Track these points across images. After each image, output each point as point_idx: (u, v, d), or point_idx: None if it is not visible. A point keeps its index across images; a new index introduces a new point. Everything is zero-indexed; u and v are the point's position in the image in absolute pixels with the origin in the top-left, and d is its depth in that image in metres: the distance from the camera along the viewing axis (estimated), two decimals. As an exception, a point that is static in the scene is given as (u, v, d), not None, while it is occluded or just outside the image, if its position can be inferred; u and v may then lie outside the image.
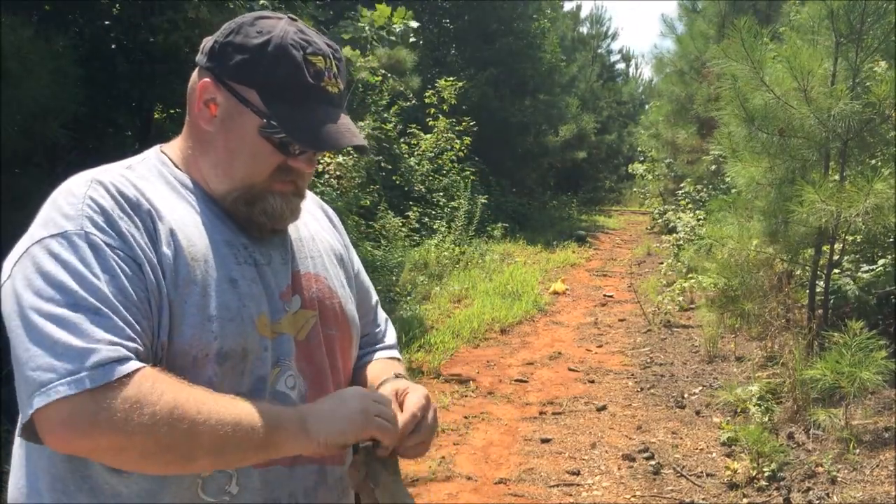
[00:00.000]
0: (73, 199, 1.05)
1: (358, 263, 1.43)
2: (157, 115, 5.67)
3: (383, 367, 1.35)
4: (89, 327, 0.95)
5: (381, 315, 1.49)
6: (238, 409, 1.01)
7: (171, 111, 5.75)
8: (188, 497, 1.07)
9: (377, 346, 1.43)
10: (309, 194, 1.34)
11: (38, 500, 1.08)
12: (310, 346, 1.19)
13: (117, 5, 5.04)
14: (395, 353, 1.44)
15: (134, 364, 0.96)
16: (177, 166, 1.18)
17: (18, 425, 1.02)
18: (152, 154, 1.21)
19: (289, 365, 1.15)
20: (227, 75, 1.13)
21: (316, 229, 1.32)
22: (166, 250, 1.07)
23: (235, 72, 1.13)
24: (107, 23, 5.06)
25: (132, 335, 0.99)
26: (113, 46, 5.01)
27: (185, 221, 1.11)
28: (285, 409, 1.06)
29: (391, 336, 1.47)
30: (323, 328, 1.22)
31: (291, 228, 1.25)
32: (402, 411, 1.16)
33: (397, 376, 1.29)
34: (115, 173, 1.12)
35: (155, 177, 1.16)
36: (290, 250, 1.22)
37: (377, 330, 1.46)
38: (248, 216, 1.15)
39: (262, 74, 1.11)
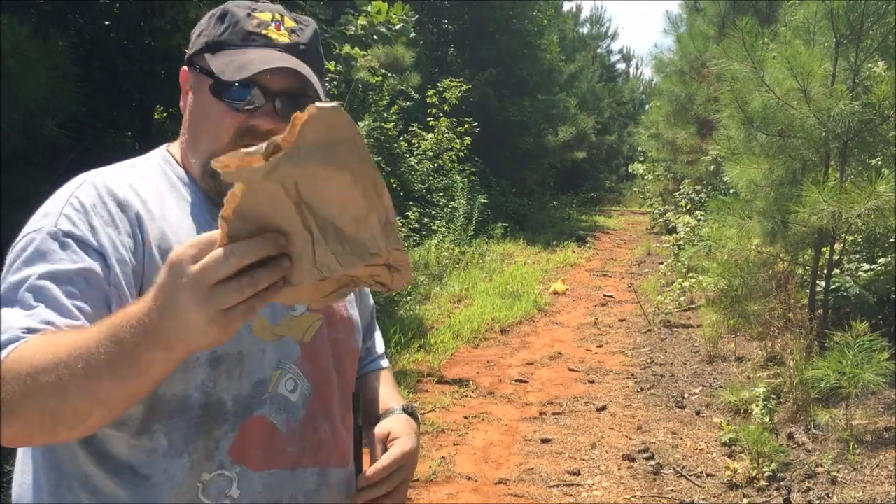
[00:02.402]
0: (61, 197, 1.07)
1: None
2: (157, 115, 5.67)
3: (389, 393, 1.37)
4: (12, 318, 0.92)
5: (375, 322, 1.50)
6: (78, 349, 0.86)
7: (172, 111, 5.74)
8: (188, 500, 1.06)
9: (374, 356, 1.45)
10: None
11: (40, 498, 1.08)
12: (315, 350, 1.18)
13: (117, 5, 5.04)
14: (386, 361, 1.47)
15: (14, 344, 0.89)
16: (179, 163, 1.19)
17: None
18: (157, 153, 1.21)
19: (290, 368, 1.14)
20: (191, 55, 1.16)
21: None
22: (156, 254, 1.06)
23: (195, 47, 1.16)
24: (107, 23, 5.05)
25: (49, 319, 0.93)
26: (113, 46, 5.01)
27: (180, 224, 1.10)
28: (132, 324, 0.84)
29: (381, 343, 1.49)
30: (330, 331, 1.21)
31: None
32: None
33: (404, 410, 1.31)
34: (114, 173, 1.12)
35: (157, 175, 1.15)
36: None
37: (374, 336, 1.47)
38: (218, 190, 1.11)
39: (209, 36, 1.14)
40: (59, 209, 1.05)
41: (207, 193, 1.14)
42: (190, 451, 1.06)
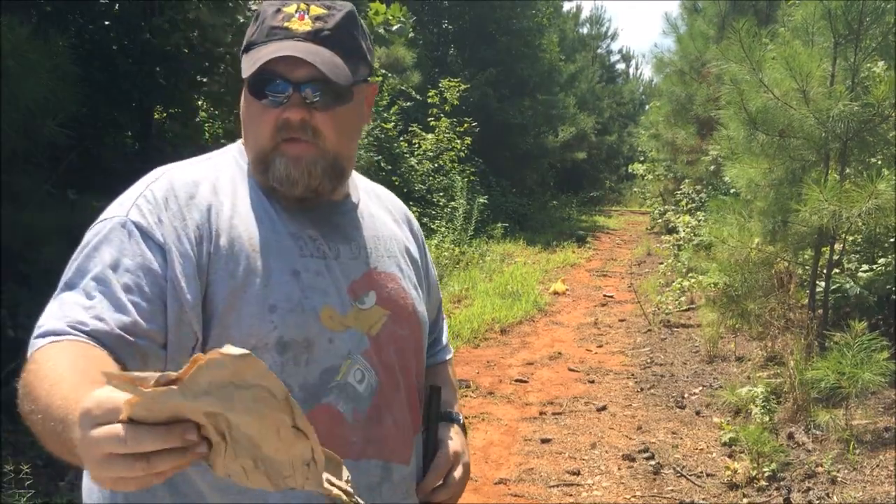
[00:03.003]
0: (137, 188, 1.13)
1: (430, 263, 1.45)
2: (157, 115, 5.66)
3: (448, 397, 1.38)
4: (71, 306, 1.00)
5: (442, 311, 1.52)
6: (59, 395, 0.87)
7: (172, 111, 5.75)
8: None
9: (439, 347, 1.47)
10: (398, 200, 1.39)
11: (114, 499, 1.09)
12: (380, 343, 1.18)
13: (117, 5, 5.04)
14: (450, 352, 1.50)
15: (50, 339, 0.96)
16: None
17: None
18: (234, 145, 1.25)
19: (358, 359, 1.14)
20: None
21: (394, 230, 1.32)
22: (223, 243, 1.09)
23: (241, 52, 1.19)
24: (107, 23, 5.05)
25: (101, 315, 0.99)
26: (114, 47, 5.01)
27: (249, 213, 1.13)
28: (64, 419, 0.85)
29: (446, 333, 1.52)
30: (395, 327, 1.22)
31: (369, 226, 1.25)
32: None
33: (449, 418, 1.34)
34: (190, 167, 1.17)
35: (232, 167, 1.19)
36: (365, 247, 1.22)
37: (439, 327, 1.49)
38: (267, 184, 1.16)
39: (246, 38, 1.17)
40: (132, 200, 1.10)
41: (261, 186, 1.17)
42: None
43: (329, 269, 1.15)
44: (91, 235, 1.08)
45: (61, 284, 1.04)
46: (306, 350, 1.09)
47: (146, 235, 1.06)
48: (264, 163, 1.14)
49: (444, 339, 1.49)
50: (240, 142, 1.25)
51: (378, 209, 1.32)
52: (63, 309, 1.00)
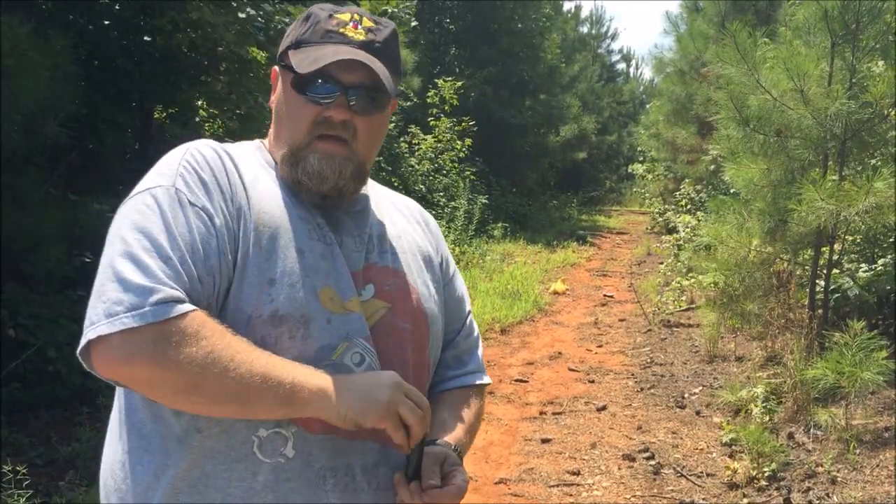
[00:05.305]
0: (172, 160, 1.16)
1: (454, 270, 1.46)
2: (157, 115, 5.67)
3: (452, 423, 1.34)
4: (157, 271, 1.04)
5: (474, 329, 1.46)
6: (271, 364, 1.06)
7: (172, 111, 5.75)
8: (244, 453, 1.10)
9: (466, 370, 1.40)
10: (412, 202, 1.45)
11: (124, 463, 1.14)
12: (377, 335, 1.20)
13: (117, 5, 5.04)
14: (483, 378, 1.42)
15: (188, 307, 1.03)
16: (267, 150, 1.29)
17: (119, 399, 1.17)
18: (253, 142, 1.31)
19: (359, 343, 1.16)
20: (280, 54, 1.26)
21: (405, 229, 1.35)
22: (253, 218, 1.15)
23: (282, 47, 1.26)
24: (107, 23, 5.05)
25: (189, 285, 1.06)
26: (113, 46, 5.01)
27: (264, 193, 1.18)
28: (320, 373, 1.09)
29: (477, 356, 1.44)
30: (395, 320, 1.23)
31: (376, 224, 1.29)
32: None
33: (454, 450, 1.29)
34: (214, 142, 1.22)
35: (250, 154, 1.25)
36: (369, 242, 1.26)
37: (467, 345, 1.43)
38: (295, 178, 1.20)
39: (294, 36, 1.24)
40: (173, 171, 1.14)
41: (284, 180, 1.21)
42: None
43: (333, 255, 1.19)
44: (144, 205, 1.10)
45: (138, 245, 1.06)
46: (302, 326, 1.12)
47: (198, 208, 1.10)
48: (296, 156, 1.19)
49: (474, 363, 1.42)
50: (258, 140, 1.31)
51: (390, 210, 1.37)
52: (155, 273, 1.04)
